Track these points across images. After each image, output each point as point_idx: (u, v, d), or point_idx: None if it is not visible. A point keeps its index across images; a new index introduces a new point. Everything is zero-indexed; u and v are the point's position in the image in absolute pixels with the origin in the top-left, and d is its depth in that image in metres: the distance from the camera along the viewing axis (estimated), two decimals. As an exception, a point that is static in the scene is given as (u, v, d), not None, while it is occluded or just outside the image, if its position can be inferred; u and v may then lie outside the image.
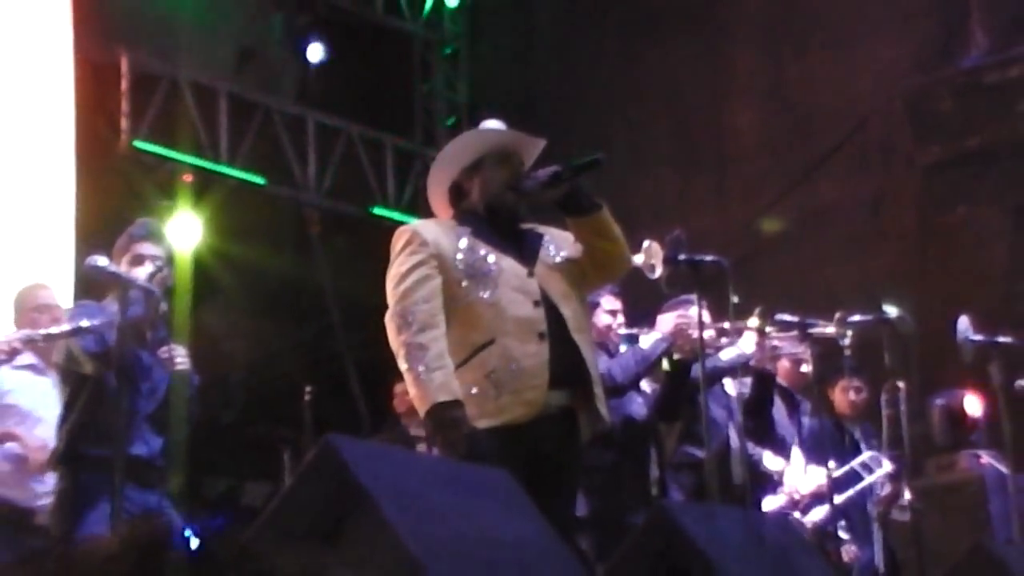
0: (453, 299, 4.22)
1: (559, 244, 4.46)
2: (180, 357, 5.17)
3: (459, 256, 4.25)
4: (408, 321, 4.14)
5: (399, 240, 4.32)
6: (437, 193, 4.53)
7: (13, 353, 5.30)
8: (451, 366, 4.11)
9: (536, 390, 4.13)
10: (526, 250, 4.37)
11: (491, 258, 4.26)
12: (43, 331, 5.28)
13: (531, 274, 4.29)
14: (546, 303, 4.27)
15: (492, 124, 4.78)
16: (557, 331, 4.24)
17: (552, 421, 4.21)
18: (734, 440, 6.52)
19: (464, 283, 4.22)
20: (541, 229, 4.51)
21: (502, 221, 4.41)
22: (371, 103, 10.75)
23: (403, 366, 4.15)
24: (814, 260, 8.63)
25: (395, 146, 10.66)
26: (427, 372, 4.06)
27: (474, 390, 4.11)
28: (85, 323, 4.97)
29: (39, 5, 8.75)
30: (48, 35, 8.78)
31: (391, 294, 4.25)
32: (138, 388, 5.02)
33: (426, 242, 4.26)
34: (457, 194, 4.48)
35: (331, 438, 3.46)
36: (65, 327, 5.20)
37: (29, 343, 5.39)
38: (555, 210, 4.42)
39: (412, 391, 4.15)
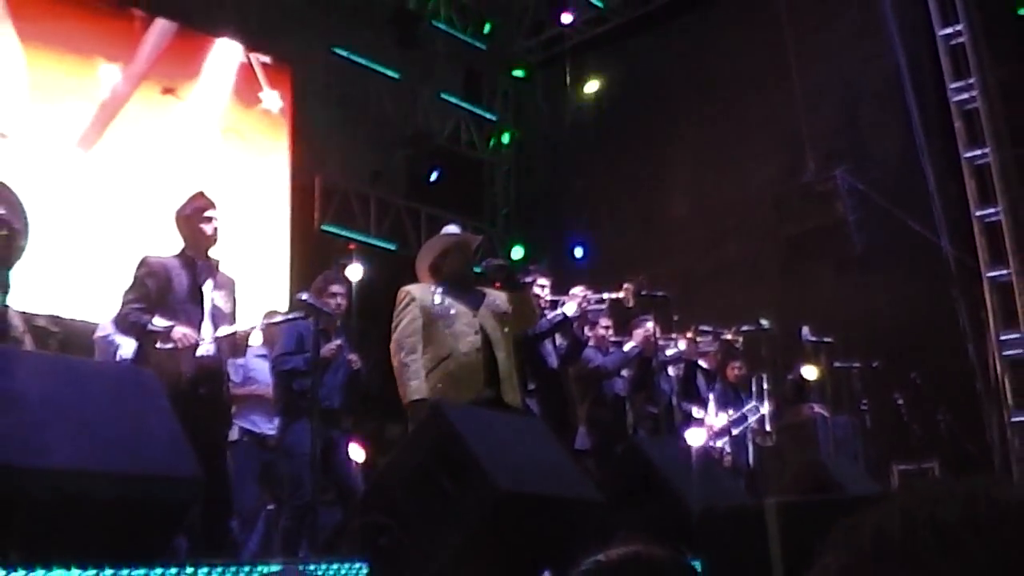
0: (429, 329, 4.22)
1: (500, 300, 4.49)
2: (354, 357, 5.24)
3: (434, 305, 4.27)
4: (401, 347, 4.18)
5: (400, 296, 4.36)
6: (422, 268, 4.55)
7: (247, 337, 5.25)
8: (423, 375, 4.11)
9: (477, 384, 4.17)
10: (473, 301, 4.38)
11: (452, 306, 4.29)
12: (264, 322, 5.24)
13: (475, 315, 4.31)
14: (483, 334, 4.29)
15: (451, 228, 4.79)
16: (490, 351, 4.27)
17: (484, 404, 4.16)
18: (674, 402, 6.61)
19: (435, 320, 4.24)
20: (484, 290, 4.50)
21: (460, 284, 4.44)
22: (457, 200, 10.71)
23: (397, 373, 4.19)
24: (721, 294, 8.60)
25: (471, 226, 10.55)
26: (409, 381, 4.10)
27: (439, 385, 4.17)
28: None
29: (271, 148, 9.06)
30: (276, 165, 9.04)
31: (394, 330, 4.28)
32: (326, 369, 5.01)
33: (414, 298, 4.29)
34: (435, 269, 4.50)
35: (440, 402, 3.67)
36: (281, 319, 5.29)
37: (262, 329, 5.38)
38: (500, 282, 4.52)
39: (400, 388, 4.17)
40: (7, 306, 3.93)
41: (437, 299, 4.29)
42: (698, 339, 6.76)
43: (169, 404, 3.09)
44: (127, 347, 5.13)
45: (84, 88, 7.72)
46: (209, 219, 4.45)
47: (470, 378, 4.15)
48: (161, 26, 8.18)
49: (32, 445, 2.48)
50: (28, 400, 2.58)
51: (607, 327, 6.39)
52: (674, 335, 6.58)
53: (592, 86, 10.86)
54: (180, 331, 4.18)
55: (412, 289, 4.35)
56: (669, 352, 6.55)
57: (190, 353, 4.20)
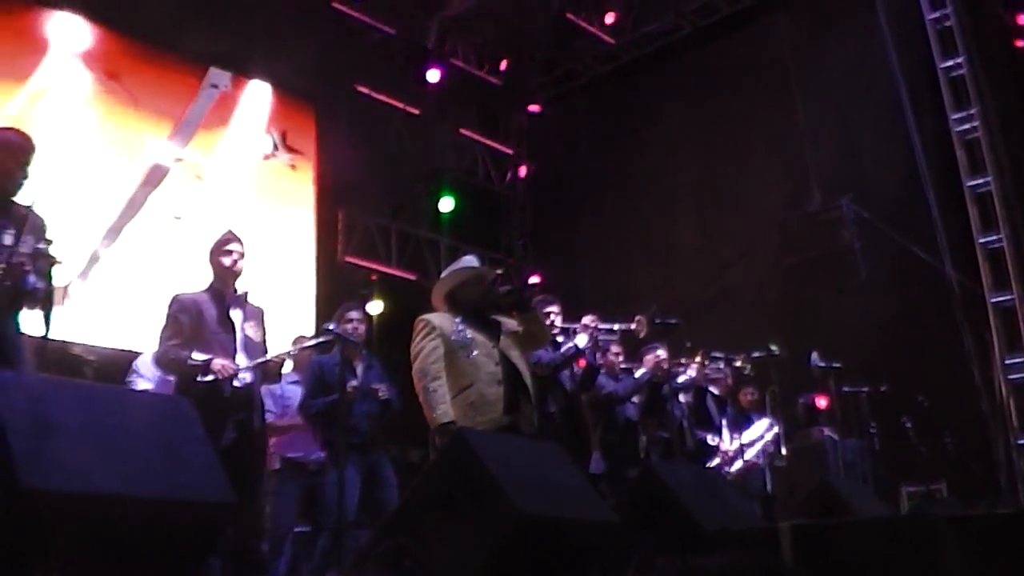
0: (449, 358, 4.06)
1: (510, 327, 4.31)
2: (381, 386, 5.18)
3: (454, 333, 4.10)
4: (426, 373, 4.02)
5: (419, 325, 4.17)
6: (438, 298, 4.35)
7: (281, 364, 5.22)
8: (448, 399, 3.97)
9: (496, 414, 4.00)
10: (492, 331, 4.22)
11: (472, 335, 4.12)
12: (294, 348, 5.31)
13: (495, 345, 4.14)
14: (504, 363, 4.13)
15: (469, 259, 4.52)
16: (509, 380, 4.10)
17: (503, 431, 4.00)
18: (685, 427, 6.55)
19: (456, 350, 4.07)
20: (499, 319, 4.32)
21: (478, 315, 4.25)
22: (475, 231, 10.71)
23: (423, 399, 4.03)
24: (728, 320, 8.53)
25: (488, 256, 10.50)
26: (436, 406, 3.96)
27: (460, 414, 3.97)
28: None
29: (296, 183, 9.19)
30: (302, 199, 9.15)
31: (415, 358, 4.10)
32: (355, 395, 4.98)
33: (434, 327, 4.12)
34: (451, 298, 4.31)
35: (461, 429, 3.67)
36: (309, 343, 5.30)
37: (292, 356, 5.43)
38: (509, 307, 4.31)
39: (427, 413, 4.00)
40: (47, 339, 3.96)
41: (458, 327, 4.15)
42: (708, 365, 6.70)
43: (204, 431, 3.10)
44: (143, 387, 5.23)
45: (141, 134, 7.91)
46: (229, 252, 4.50)
47: (490, 407, 4.03)
48: (213, 75, 8.36)
49: (70, 471, 2.50)
50: (67, 427, 2.59)
51: (617, 354, 6.36)
52: (684, 361, 6.53)
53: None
54: (219, 363, 4.24)
55: (432, 318, 4.21)
56: (681, 379, 6.50)
57: (228, 383, 4.25)
